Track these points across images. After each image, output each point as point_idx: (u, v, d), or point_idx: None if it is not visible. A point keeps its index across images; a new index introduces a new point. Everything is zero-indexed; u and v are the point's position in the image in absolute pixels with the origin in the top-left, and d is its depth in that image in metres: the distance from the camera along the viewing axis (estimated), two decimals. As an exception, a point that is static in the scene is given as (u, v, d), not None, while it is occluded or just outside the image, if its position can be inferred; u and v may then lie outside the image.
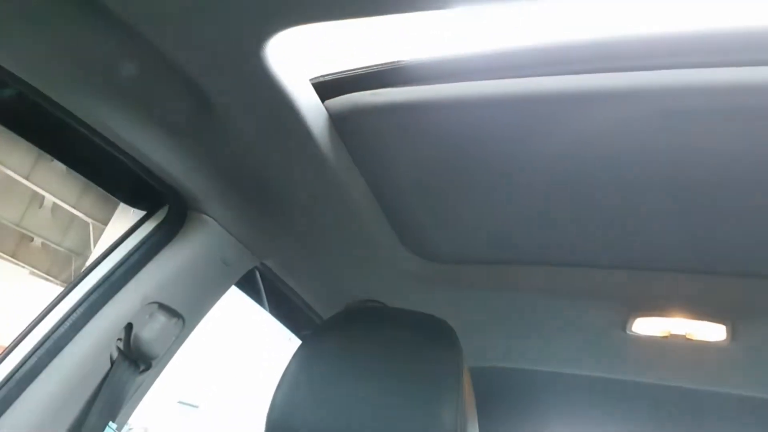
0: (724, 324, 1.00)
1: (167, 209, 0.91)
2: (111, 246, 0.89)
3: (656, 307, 1.03)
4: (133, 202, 0.92)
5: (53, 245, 9.28)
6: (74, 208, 8.70)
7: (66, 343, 0.79)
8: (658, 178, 0.82)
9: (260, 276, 1.06)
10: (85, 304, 0.83)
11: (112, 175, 0.88)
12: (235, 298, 1.06)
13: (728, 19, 0.68)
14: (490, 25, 0.72)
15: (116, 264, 0.86)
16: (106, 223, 8.73)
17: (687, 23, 0.69)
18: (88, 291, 0.84)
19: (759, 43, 0.64)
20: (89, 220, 8.99)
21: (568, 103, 0.70)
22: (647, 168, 0.79)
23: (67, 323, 0.80)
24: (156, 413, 6.69)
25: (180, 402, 9.21)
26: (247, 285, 1.07)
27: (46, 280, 9.22)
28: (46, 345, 0.77)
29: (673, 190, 0.82)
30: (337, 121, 0.82)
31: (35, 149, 0.83)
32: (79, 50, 0.67)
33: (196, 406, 9.68)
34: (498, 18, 0.70)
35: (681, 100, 0.67)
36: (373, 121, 0.81)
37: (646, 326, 1.06)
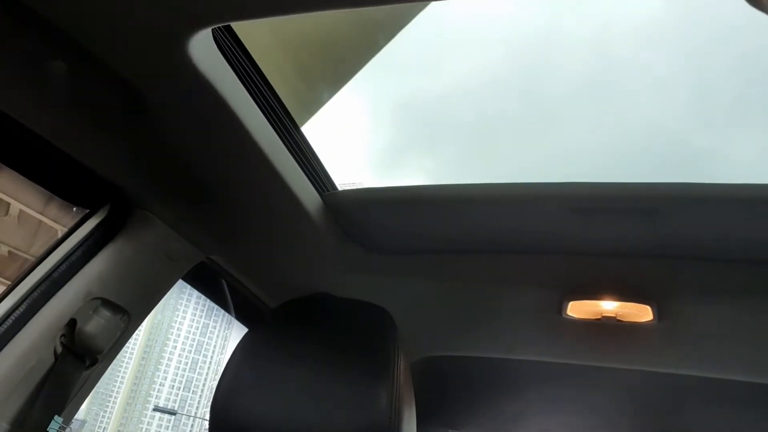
0: (649, 305, 1.06)
1: (109, 207, 0.93)
2: (53, 244, 0.90)
3: (588, 290, 1.08)
4: (74, 201, 0.94)
5: (20, 253, 9.07)
6: (41, 214, 8.51)
7: (8, 340, 0.81)
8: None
9: (208, 270, 1.08)
10: (28, 302, 0.85)
11: (51, 173, 0.89)
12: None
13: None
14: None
15: (58, 261, 0.88)
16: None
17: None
18: (30, 289, 0.86)
19: None
20: (57, 227, 8.80)
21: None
22: None
23: (9, 321, 0.82)
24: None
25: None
26: (196, 279, 1.09)
27: (14, 289, 9.00)
28: (-12, 342, 0.79)
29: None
30: None
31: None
32: (10, 53, 0.69)
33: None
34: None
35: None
36: None
37: (579, 309, 1.12)
